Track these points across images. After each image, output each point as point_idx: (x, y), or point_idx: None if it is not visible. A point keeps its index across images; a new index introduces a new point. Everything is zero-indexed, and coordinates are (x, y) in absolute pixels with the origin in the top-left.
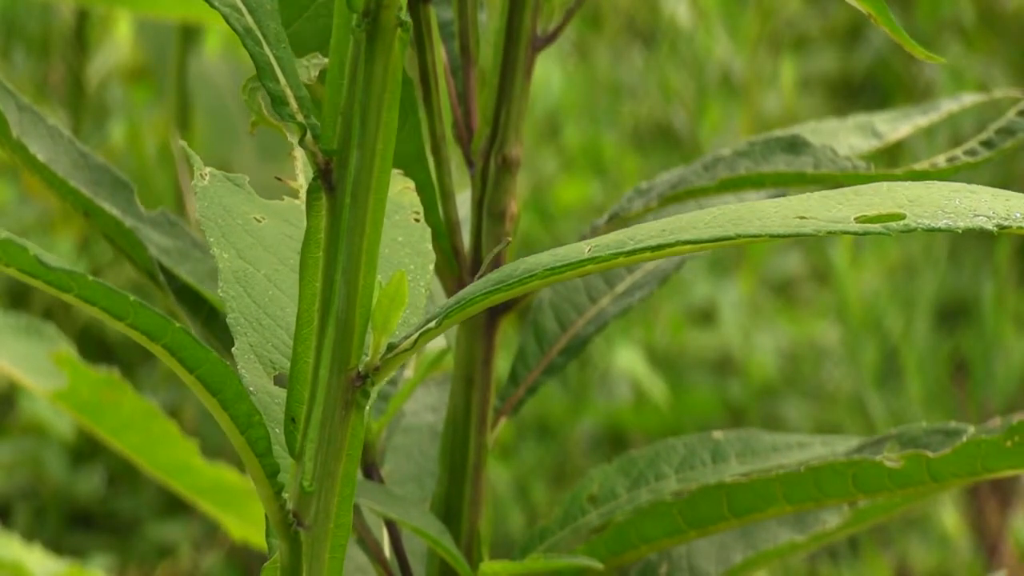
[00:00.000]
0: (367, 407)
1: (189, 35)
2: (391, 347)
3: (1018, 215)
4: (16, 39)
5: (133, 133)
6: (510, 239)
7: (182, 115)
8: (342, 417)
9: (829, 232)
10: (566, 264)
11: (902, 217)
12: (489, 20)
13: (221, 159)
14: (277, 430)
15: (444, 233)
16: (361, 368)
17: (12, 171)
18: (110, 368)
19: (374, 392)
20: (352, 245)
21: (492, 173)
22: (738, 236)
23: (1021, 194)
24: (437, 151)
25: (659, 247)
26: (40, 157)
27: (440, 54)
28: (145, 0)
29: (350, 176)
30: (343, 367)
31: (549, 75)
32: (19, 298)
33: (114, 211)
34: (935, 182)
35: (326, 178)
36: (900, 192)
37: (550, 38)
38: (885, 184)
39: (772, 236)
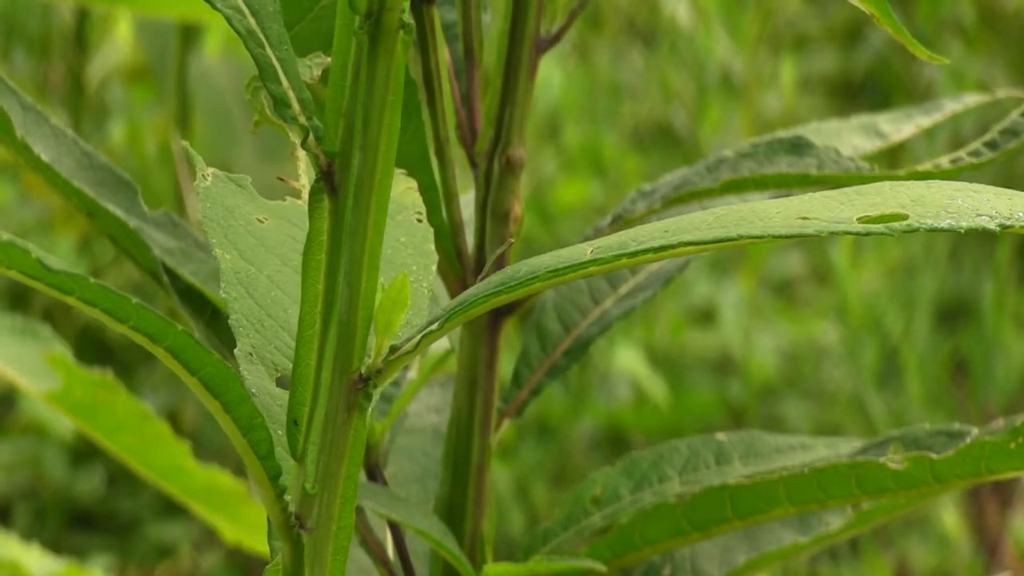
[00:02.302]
0: (369, 409)
1: (189, 35)
2: (393, 349)
3: (1020, 214)
4: (16, 39)
5: (133, 133)
6: (512, 240)
7: (182, 115)
8: (344, 419)
9: (832, 232)
10: (568, 266)
11: (904, 217)
12: (493, 22)
13: (221, 159)
14: (279, 432)
15: (448, 234)
16: (363, 370)
17: (12, 171)
18: (105, 370)
19: (376, 394)
20: (354, 247)
21: (496, 174)
22: (740, 237)
23: None
24: (441, 153)
25: (662, 248)
26: (44, 157)
27: (444, 56)
28: (145, 0)
29: (352, 178)
30: (345, 369)
31: (549, 75)
32: (19, 299)
33: (118, 212)
34: (937, 181)
35: (328, 180)
36: (902, 192)
37: (554, 39)
38: (887, 184)
39: (775, 237)
